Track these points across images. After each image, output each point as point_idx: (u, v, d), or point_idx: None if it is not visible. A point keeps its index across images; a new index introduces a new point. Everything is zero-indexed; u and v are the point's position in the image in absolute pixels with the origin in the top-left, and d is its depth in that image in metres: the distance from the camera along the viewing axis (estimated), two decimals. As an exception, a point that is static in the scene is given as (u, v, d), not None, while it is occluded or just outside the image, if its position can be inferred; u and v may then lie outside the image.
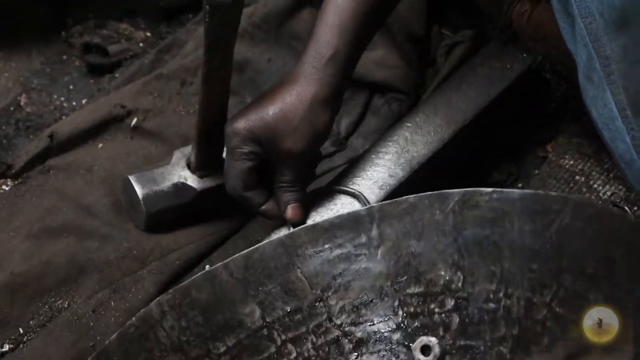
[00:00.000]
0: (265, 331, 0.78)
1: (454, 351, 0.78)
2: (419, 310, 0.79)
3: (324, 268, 0.80)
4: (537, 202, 0.77)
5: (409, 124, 1.07)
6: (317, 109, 0.89)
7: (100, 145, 1.15)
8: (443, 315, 0.78)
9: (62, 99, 1.31)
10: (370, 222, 0.80)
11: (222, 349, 0.77)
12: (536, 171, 1.16)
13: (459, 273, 0.78)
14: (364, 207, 0.83)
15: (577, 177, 1.13)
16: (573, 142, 1.16)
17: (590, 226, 0.75)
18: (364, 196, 0.95)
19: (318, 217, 0.95)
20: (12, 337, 0.96)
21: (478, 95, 1.11)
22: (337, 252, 0.80)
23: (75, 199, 1.08)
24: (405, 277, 0.79)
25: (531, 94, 1.18)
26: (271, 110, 0.88)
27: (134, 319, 0.78)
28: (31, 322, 0.97)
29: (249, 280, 0.79)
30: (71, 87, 1.33)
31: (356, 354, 0.79)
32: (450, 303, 0.78)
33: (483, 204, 0.78)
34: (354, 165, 1.03)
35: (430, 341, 0.76)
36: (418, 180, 1.03)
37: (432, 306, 0.79)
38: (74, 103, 1.30)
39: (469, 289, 0.78)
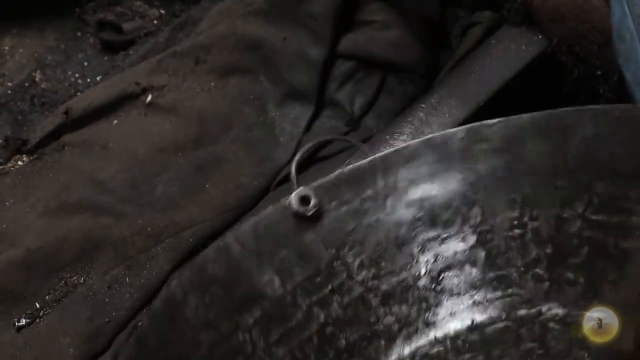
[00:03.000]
0: (288, 298, 0.76)
1: (486, 285, 0.76)
2: (440, 252, 0.77)
3: (335, 226, 0.78)
4: (550, 121, 0.74)
5: (423, 105, 1.07)
6: None
7: (115, 121, 1.16)
8: (467, 251, 0.76)
9: (77, 75, 1.32)
10: (374, 174, 0.78)
11: (251, 321, 0.76)
12: (549, 153, 1.16)
13: (476, 208, 0.76)
14: (365, 160, 0.79)
15: (591, 160, 1.13)
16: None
17: (618, 130, 0.70)
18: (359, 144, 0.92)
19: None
20: (28, 312, 0.97)
21: (493, 77, 1.11)
22: (345, 208, 0.78)
23: (90, 175, 1.08)
24: (420, 222, 0.77)
25: (546, 76, 1.18)
26: None
27: (157, 301, 0.78)
28: (47, 297, 0.98)
29: (262, 249, 0.78)
30: (85, 64, 1.34)
31: (384, 307, 0.77)
32: (472, 239, 0.76)
33: (491, 135, 0.75)
34: (367, 145, 1.03)
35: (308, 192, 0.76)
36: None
37: (454, 245, 0.77)
38: (88, 80, 1.31)
39: (490, 220, 0.76)
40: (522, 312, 0.74)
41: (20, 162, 1.14)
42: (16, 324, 0.96)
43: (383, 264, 0.77)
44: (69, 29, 1.39)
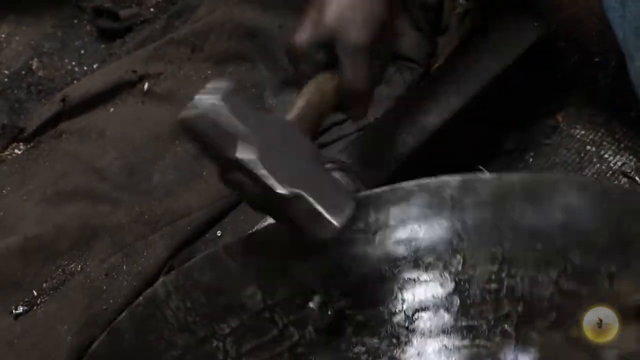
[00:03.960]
0: (267, 313, 0.79)
1: (455, 331, 0.79)
2: (418, 293, 0.80)
3: (323, 254, 0.79)
4: (539, 184, 0.77)
5: (421, 92, 1.07)
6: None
7: (112, 109, 1.16)
8: (442, 297, 0.79)
9: (74, 63, 1.31)
10: (367, 208, 0.80)
11: (227, 330, 0.78)
12: (547, 140, 1.16)
13: (458, 256, 0.79)
14: (361, 194, 0.82)
15: (588, 147, 1.12)
16: (584, 111, 1.15)
17: (599, 204, 0.74)
18: (352, 169, 0.94)
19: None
20: (26, 300, 0.97)
21: (490, 64, 1.10)
22: (336, 237, 0.80)
23: (87, 163, 1.08)
24: (404, 261, 0.80)
25: (543, 63, 1.18)
26: (327, 12, 0.80)
27: (141, 298, 0.78)
28: (44, 285, 0.98)
29: (249, 263, 0.79)
30: (82, 51, 1.33)
31: (357, 337, 0.80)
32: (450, 285, 0.79)
33: (481, 190, 0.79)
34: (365, 133, 1.03)
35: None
36: (429, 148, 1.03)
37: (432, 289, 0.80)
38: (85, 67, 1.30)
39: (470, 271, 0.79)
40: None
41: (17, 150, 1.14)
42: (14, 311, 0.96)
43: (362, 295, 0.80)
44: (66, 16, 1.38)
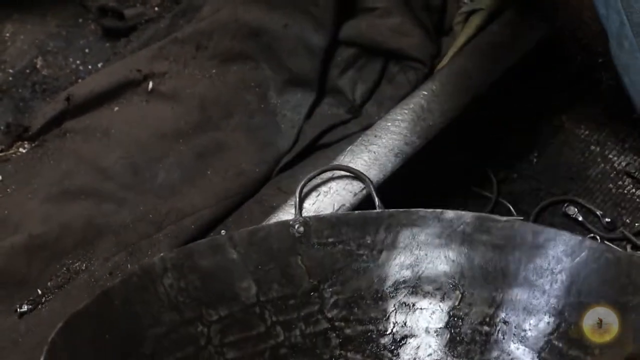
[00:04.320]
0: (257, 309, 0.79)
1: None
2: (411, 319, 0.81)
3: (325, 260, 0.81)
4: (552, 240, 0.78)
5: (425, 92, 1.07)
6: None
7: (116, 108, 1.16)
8: (435, 330, 0.80)
9: (78, 62, 1.31)
10: (378, 225, 0.81)
11: (215, 317, 0.78)
12: (551, 140, 1.16)
13: (457, 292, 0.80)
14: (376, 210, 0.83)
15: (592, 147, 1.13)
16: (589, 111, 1.16)
17: (605, 271, 0.74)
18: (369, 179, 0.94)
19: (322, 198, 0.94)
20: (31, 298, 0.97)
21: (495, 64, 1.11)
22: (340, 247, 0.81)
23: (92, 162, 1.08)
24: (404, 286, 0.81)
25: (548, 63, 1.18)
26: None
27: (137, 267, 0.79)
28: (49, 283, 0.98)
29: (251, 256, 0.80)
30: (87, 50, 1.33)
31: (341, 350, 0.80)
32: (443, 318, 0.80)
33: (495, 231, 0.80)
34: (369, 132, 1.03)
35: None
36: (434, 148, 1.03)
37: (425, 318, 0.81)
38: (89, 66, 1.30)
39: (465, 309, 0.80)
40: None
41: (22, 149, 1.15)
42: (18, 309, 0.96)
43: (356, 310, 0.81)
44: (71, 15, 1.38)
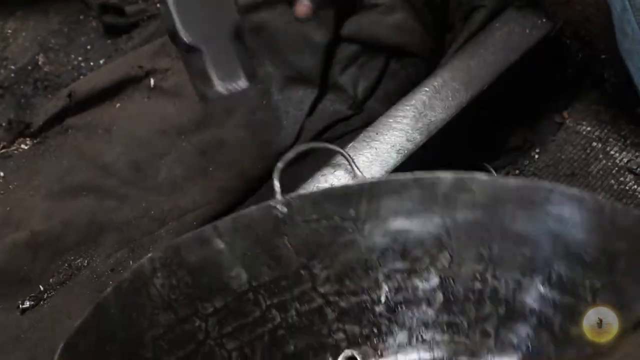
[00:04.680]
0: (251, 295, 0.79)
1: (437, 326, 0.80)
2: (403, 285, 0.81)
3: (311, 238, 0.81)
4: (534, 191, 0.77)
5: (426, 89, 1.07)
6: None
7: (118, 105, 1.16)
8: (428, 291, 0.80)
9: (80, 59, 1.31)
10: (360, 197, 0.81)
11: (210, 310, 0.78)
12: (552, 137, 1.16)
13: (446, 253, 0.80)
14: (355, 182, 0.83)
15: (594, 144, 1.13)
16: (591, 108, 1.16)
17: (591, 218, 0.74)
18: (346, 152, 0.93)
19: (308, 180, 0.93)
20: (33, 295, 0.97)
21: (496, 61, 1.11)
22: (325, 223, 0.81)
23: (94, 159, 1.08)
24: (391, 253, 0.81)
25: (550, 60, 1.18)
26: None
27: (127, 273, 0.78)
28: (51, 279, 0.99)
29: (237, 244, 0.80)
30: (89, 47, 1.33)
31: (339, 323, 0.80)
32: (435, 280, 0.80)
33: (477, 190, 0.79)
34: (371, 128, 1.03)
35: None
36: (435, 144, 1.03)
37: (417, 281, 0.81)
38: (91, 63, 1.30)
39: (456, 268, 0.80)
40: (463, 358, 0.79)
41: (23, 146, 1.15)
42: (20, 306, 0.97)
43: (347, 282, 0.81)
44: (72, 12, 1.38)
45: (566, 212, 0.75)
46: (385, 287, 0.81)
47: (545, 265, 0.76)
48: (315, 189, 0.88)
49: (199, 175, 1.07)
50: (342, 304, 0.81)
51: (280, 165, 0.88)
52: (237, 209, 1.05)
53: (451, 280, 0.80)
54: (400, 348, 0.81)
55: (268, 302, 0.79)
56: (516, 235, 0.77)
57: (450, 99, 1.06)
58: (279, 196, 0.80)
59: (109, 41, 1.34)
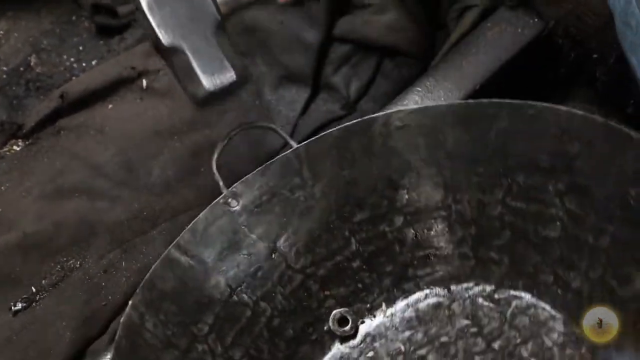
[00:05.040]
0: (235, 297, 0.79)
1: (415, 262, 0.81)
2: (370, 234, 0.81)
3: (269, 219, 0.80)
4: (469, 111, 0.77)
5: (419, 89, 1.07)
6: None
7: (111, 106, 1.16)
8: (395, 232, 0.80)
9: (72, 59, 1.31)
10: (299, 163, 0.80)
11: (206, 329, 0.78)
12: (545, 136, 1.16)
13: (400, 190, 0.80)
14: (289, 151, 0.81)
15: (587, 143, 1.13)
16: (582, 107, 1.15)
17: (535, 125, 0.73)
18: (272, 125, 0.92)
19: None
20: (25, 296, 0.97)
21: (488, 60, 1.11)
22: (276, 200, 0.80)
23: (86, 160, 1.08)
24: (348, 207, 0.81)
25: (542, 59, 1.18)
26: None
27: (119, 330, 0.76)
28: (43, 281, 0.98)
29: (203, 253, 0.79)
30: (81, 48, 1.33)
31: (324, 291, 0.81)
32: (399, 220, 0.80)
33: (411, 122, 0.79)
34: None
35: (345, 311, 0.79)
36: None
37: (382, 227, 0.81)
38: (84, 64, 1.30)
39: (415, 202, 0.80)
40: (452, 287, 0.80)
41: (15, 147, 1.14)
42: (12, 307, 0.96)
43: (318, 249, 0.81)
44: (64, 12, 1.38)
45: (509, 125, 0.74)
46: (353, 242, 0.81)
47: (503, 178, 0.76)
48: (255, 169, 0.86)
49: (191, 175, 1.07)
50: (321, 271, 0.81)
51: (215, 155, 0.86)
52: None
53: (415, 215, 0.80)
54: (387, 294, 0.81)
55: (254, 298, 0.79)
56: (465, 156, 0.77)
57: (442, 98, 1.06)
58: (223, 189, 0.79)
59: (101, 42, 1.34)
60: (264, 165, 0.81)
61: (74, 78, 1.26)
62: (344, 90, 1.16)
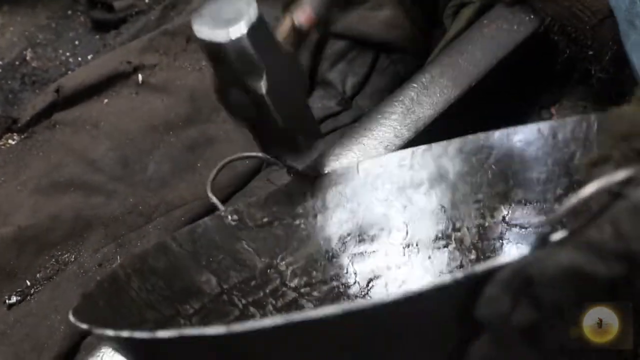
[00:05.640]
0: (225, 297, 0.78)
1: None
2: (369, 262, 0.82)
3: (268, 239, 0.81)
4: (467, 144, 0.80)
5: (415, 85, 1.07)
6: None
7: (106, 100, 1.16)
8: (394, 263, 0.81)
9: (68, 54, 1.31)
10: (304, 194, 0.82)
11: (191, 311, 0.77)
12: (540, 134, 1.16)
13: (401, 225, 0.81)
14: (295, 181, 0.84)
15: (582, 140, 1.13)
16: (578, 104, 1.16)
17: (531, 146, 0.76)
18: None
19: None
20: (19, 290, 0.97)
21: (484, 57, 1.11)
22: (277, 224, 0.82)
23: (81, 154, 1.08)
24: (349, 238, 0.82)
25: (537, 56, 1.18)
26: None
27: (104, 276, 0.76)
28: (38, 275, 0.98)
29: (199, 252, 0.79)
30: (77, 42, 1.33)
31: None
32: (398, 252, 0.81)
33: (415, 165, 0.82)
34: (359, 124, 1.03)
35: None
36: (423, 141, 1.03)
37: (381, 257, 0.81)
38: (79, 58, 1.30)
39: (415, 235, 0.81)
40: None
41: (11, 141, 1.14)
42: (7, 301, 0.96)
43: (314, 273, 0.81)
44: (60, 7, 1.38)
45: (503, 150, 0.78)
46: (352, 271, 0.82)
47: (502, 200, 0.77)
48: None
49: (187, 170, 1.07)
50: (315, 293, 0.81)
51: (210, 179, 0.86)
52: (224, 204, 1.05)
53: (414, 247, 0.81)
54: None
55: (244, 302, 0.79)
56: (465, 185, 0.79)
57: (438, 95, 1.06)
58: (225, 207, 0.80)
59: (97, 36, 1.34)
60: (268, 193, 0.83)
61: (69, 72, 1.26)
62: (340, 86, 1.16)
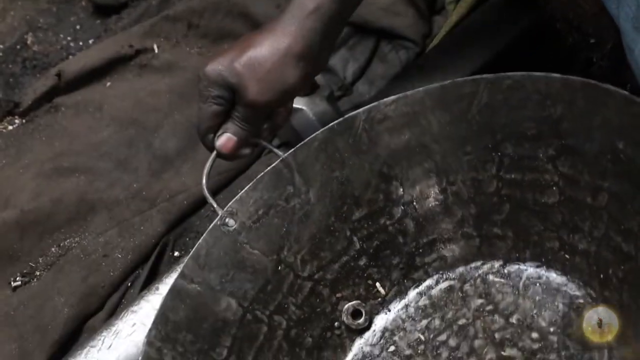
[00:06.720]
0: (249, 315, 0.78)
1: (420, 250, 0.81)
2: (372, 230, 0.81)
3: (268, 232, 0.80)
4: (446, 92, 0.77)
5: (415, 71, 1.07)
6: (289, 63, 0.80)
7: (109, 84, 1.16)
8: (396, 224, 0.80)
9: (69, 38, 1.31)
10: (290, 172, 0.80)
11: (225, 353, 0.76)
12: (540, 121, 1.16)
13: (394, 182, 0.80)
14: (278, 160, 0.81)
15: (582, 128, 1.13)
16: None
17: (514, 95, 0.73)
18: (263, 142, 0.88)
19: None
20: (23, 272, 0.98)
21: (486, 44, 1.11)
22: (273, 211, 0.80)
23: (84, 138, 1.08)
24: (346, 207, 0.81)
25: (539, 44, 1.18)
26: (242, 57, 0.80)
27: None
28: (41, 258, 0.99)
29: (209, 277, 0.78)
30: (78, 27, 1.33)
31: (336, 294, 0.80)
32: (398, 211, 0.80)
33: (391, 113, 0.78)
34: (360, 111, 1.03)
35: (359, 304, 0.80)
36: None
37: (382, 221, 0.81)
38: (80, 43, 1.30)
39: (410, 192, 0.80)
40: (461, 269, 0.80)
41: (12, 125, 1.14)
42: (11, 283, 0.97)
43: (322, 254, 0.80)
44: (61, -9, 1.38)
45: (487, 100, 0.74)
46: (356, 240, 0.81)
47: (493, 153, 0.76)
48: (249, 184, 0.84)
49: (191, 149, 1.07)
50: (328, 275, 0.80)
51: (204, 179, 0.85)
52: (226, 188, 1.06)
53: (412, 204, 0.80)
54: (398, 286, 0.81)
55: (267, 313, 0.78)
56: (451, 137, 0.77)
57: (439, 81, 1.05)
58: (218, 211, 0.80)
59: (98, 21, 1.34)
60: (255, 180, 0.80)
61: (70, 57, 1.26)
62: (341, 72, 1.16)
